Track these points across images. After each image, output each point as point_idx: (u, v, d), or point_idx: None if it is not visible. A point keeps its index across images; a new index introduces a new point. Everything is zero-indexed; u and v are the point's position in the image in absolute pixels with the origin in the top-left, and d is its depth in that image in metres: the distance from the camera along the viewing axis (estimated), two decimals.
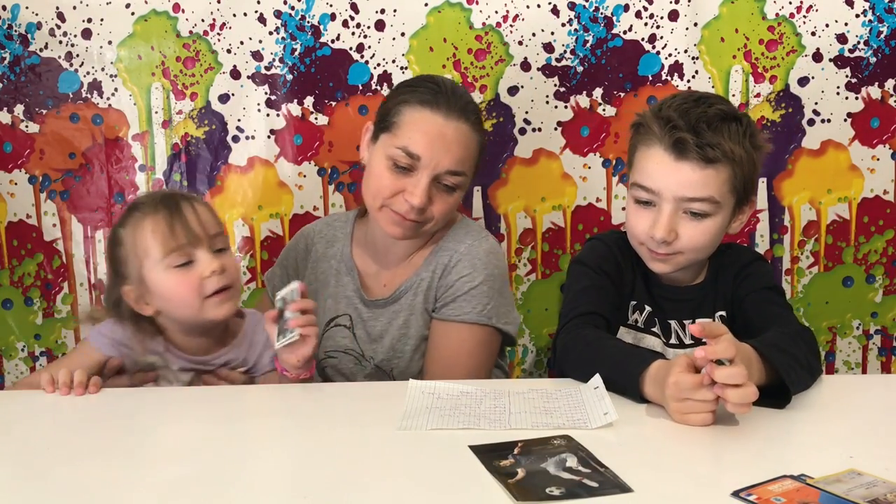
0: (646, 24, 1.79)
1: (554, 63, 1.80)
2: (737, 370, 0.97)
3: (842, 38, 1.78)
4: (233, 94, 1.81)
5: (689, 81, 1.80)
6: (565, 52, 1.79)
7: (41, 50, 1.79)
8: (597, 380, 1.12)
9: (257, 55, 1.80)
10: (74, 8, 1.78)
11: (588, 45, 1.79)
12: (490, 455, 0.91)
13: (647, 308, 1.39)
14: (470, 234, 1.51)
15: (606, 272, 1.37)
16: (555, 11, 1.78)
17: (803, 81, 1.80)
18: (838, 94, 1.80)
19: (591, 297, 1.35)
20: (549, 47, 1.79)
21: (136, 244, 1.30)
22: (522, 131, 1.82)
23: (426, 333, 1.49)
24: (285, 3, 1.78)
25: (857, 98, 1.80)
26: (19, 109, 1.82)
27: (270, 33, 1.79)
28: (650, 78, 1.81)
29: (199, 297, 1.29)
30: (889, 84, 1.80)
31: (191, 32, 1.79)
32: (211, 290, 1.28)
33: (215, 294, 1.29)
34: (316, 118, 1.81)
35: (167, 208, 1.29)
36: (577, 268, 1.41)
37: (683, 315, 1.38)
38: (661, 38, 1.79)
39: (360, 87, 1.80)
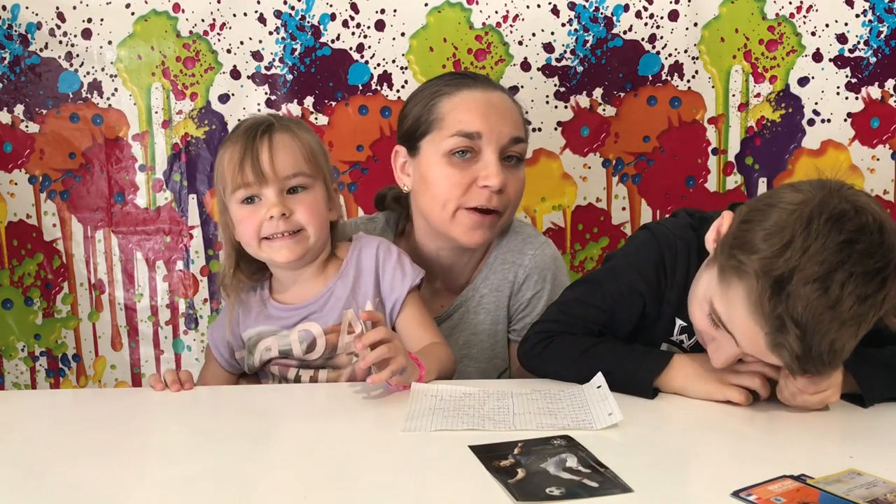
0: (646, 24, 1.79)
1: (554, 63, 1.80)
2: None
3: (842, 38, 1.78)
4: (233, 94, 1.81)
5: (688, 81, 1.80)
6: (565, 52, 1.79)
7: (41, 50, 1.80)
8: (599, 379, 1.11)
9: (257, 55, 1.80)
10: (74, 8, 1.78)
11: (588, 45, 1.79)
12: (490, 455, 0.91)
13: (660, 350, 1.22)
14: (528, 243, 1.42)
15: (639, 292, 1.19)
16: (555, 11, 1.78)
17: (803, 81, 1.80)
18: (838, 94, 1.80)
19: (587, 317, 1.22)
20: (549, 47, 1.79)
21: (219, 171, 1.28)
22: None
23: (493, 354, 1.44)
24: (285, 3, 1.78)
25: (857, 98, 1.80)
26: (19, 109, 1.82)
27: (270, 33, 1.79)
28: (650, 78, 1.81)
29: (256, 237, 1.25)
30: (889, 84, 1.80)
31: (191, 32, 1.79)
32: (267, 233, 1.24)
33: (276, 238, 1.25)
34: (316, 118, 1.81)
35: (245, 140, 1.24)
36: (613, 266, 1.25)
37: None
38: (661, 38, 1.79)
39: (360, 87, 1.80)
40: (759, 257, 0.96)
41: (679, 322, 1.22)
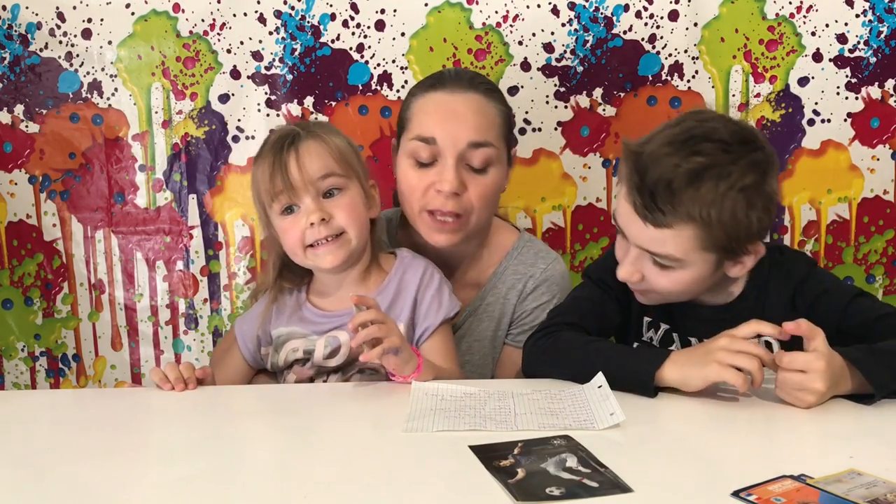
0: (646, 24, 1.79)
1: (554, 63, 1.80)
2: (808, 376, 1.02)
3: (842, 38, 1.78)
4: (233, 94, 1.81)
5: (688, 81, 1.80)
6: (565, 52, 1.79)
7: (41, 50, 1.80)
8: (600, 378, 1.11)
9: (257, 55, 1.80)
10: (74, 8, 1.78)
11: (588, 45, 1.79)
12: (490, 455, 0.91)
13: (664, 325, 1.30)
14: (541, 257, 1.46)
15: (609, 285, 1.30)
16: (555, 11, 1.78)
17: (803, 81, 1.80)
18: (838, 94, 1.80)
19: (581, 308, 1.31)
20: (549, 47, 1.79)
21: (255, 189, 1.31)
22: (522, 131, 1.82)
23: (493, 359, 1.46)
24: (285, 3, 1.78)
25: (857, 98, 1.80)
26: (19, 109, 1.82)
27: (270, 33, 1.79)
28: (650, 78, 1.81)
29: (300, 246, 1.27)
30: (889, 84, 1.80)
31: (191, 32, 1.79)
32: (311, 241, 1.26)
33: (319, 244, 1.26)
34: (316, 118, 1.81)
35: (273, 153, 1.26)
36: (584, 278, 1.38)
37: (709, 333, 1.17)
38: (661, 38, 1.79)
39: (360, 87, 1.80)
40: (630, 141, 1.19)
41: (646, 319, 1.31)
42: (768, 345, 1.18)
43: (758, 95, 1.80)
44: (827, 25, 1.78)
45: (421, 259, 1.37)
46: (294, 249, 1.28)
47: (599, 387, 1.10)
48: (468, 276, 1.48)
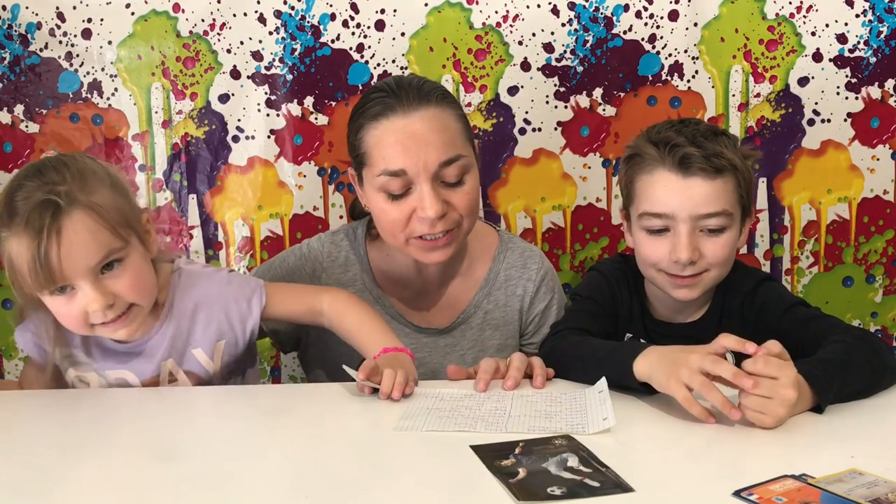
0: (646, 24, 1.79)
1: (554, 63, 1.80)
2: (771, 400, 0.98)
3: (842, 38, 1.78)
4: (233, 94, 1.81)
5: (688, 81, 1.80)
6: (565, 52, 1.79)
7: (41, 50, 1.79)
8: (602, 384, 1.11)
9: (257, 55, 1.80)
10: (74, 8, 1.78)
11: (588, 45, 1.79)
12: (491, 455, 0.91)
13: (643, 342, 1.32)
14: (528, 257, 1.47)
15: (599, 302, 1.39)
16: (555, 11, 1.78)
17: (803, 81, 1.80)
18: (838, 94, 1.80)
19: (581, 318, 1.36)
20: (549, 47, 1.79)
21: (9, 261, 1.09)
22: (522, 131, 1.82)
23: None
24: (285, 3, 1.78)
25: (857, 98, 1.80)
26: (19, 109, 1.82)
27: (270, 33, 1.79)
28: (650, 78, 1.81)
29: (85, 324, 1.13)
30: (889, 84, 1.80)
31: (191, 32, 1.79)
32: (98, 322, 1.13)
33: (107, 323, 1.13)
34: (316, 118, 1.81)
35: (29, 234, 1.04)
36: (574, 297, 1.45)
37: None
38: (661, 38, 1.79)
39: (360, 87, 1.80)
40: (633, 142, 1.34)
41: (627, 335, 1.39)
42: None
43: (758, 95, 1.81)
44: (827, 25, 1.78)
45: (198, 269, 1.28)
46: (76, 328, 1.14)
47: (600, 392, 1.10)
48: (458, 285, 1.47)
